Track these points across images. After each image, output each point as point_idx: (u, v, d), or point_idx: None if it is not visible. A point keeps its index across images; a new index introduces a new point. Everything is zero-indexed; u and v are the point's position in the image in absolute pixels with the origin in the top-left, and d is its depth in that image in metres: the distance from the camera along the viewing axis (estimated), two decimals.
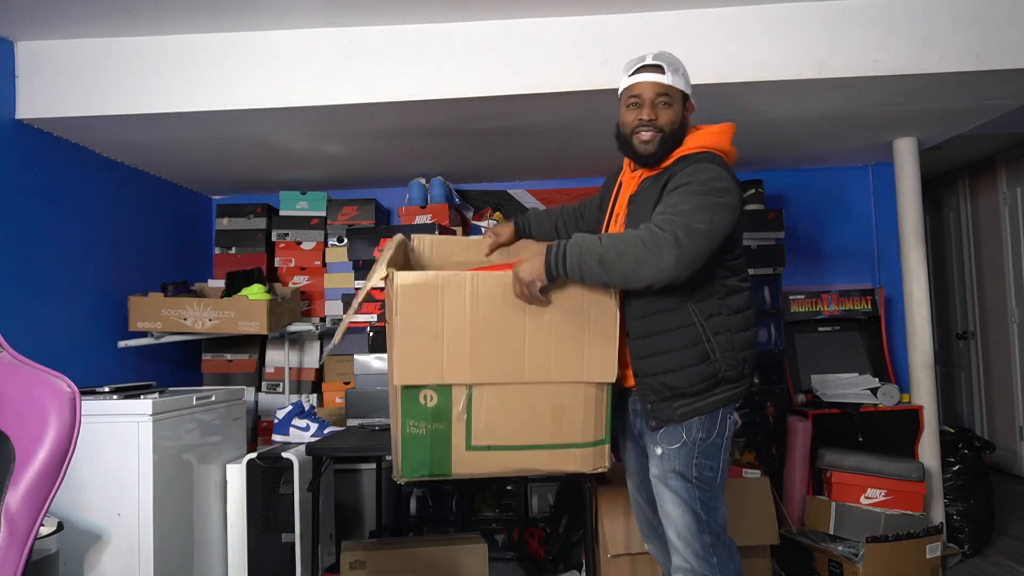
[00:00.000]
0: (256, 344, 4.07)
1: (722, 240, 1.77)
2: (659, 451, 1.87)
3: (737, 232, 1.87)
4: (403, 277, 1.78)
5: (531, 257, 1.78)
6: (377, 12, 2.73)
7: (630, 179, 1.99)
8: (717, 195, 1.76)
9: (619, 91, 1.96)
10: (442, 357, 1.81)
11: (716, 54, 2.76)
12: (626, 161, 2.03)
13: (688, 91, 1.92)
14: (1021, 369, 4.87)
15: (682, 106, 1.91)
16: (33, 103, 2.89)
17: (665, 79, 1.87)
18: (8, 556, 1.00)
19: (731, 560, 1.86)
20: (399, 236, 2.11)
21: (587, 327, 1.85)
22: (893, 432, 3.65)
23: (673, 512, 1.85)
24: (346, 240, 4.09)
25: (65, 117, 2.91)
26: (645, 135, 1.87)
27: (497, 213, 4.13)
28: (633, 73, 1.90)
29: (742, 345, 1.88)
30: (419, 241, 2.26)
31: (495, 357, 1.83)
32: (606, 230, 2.00)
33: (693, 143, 1.90)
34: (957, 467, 3.68)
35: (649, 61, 1.89)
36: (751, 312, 1.94)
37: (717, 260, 1.81)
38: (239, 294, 3.61)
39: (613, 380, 1.88)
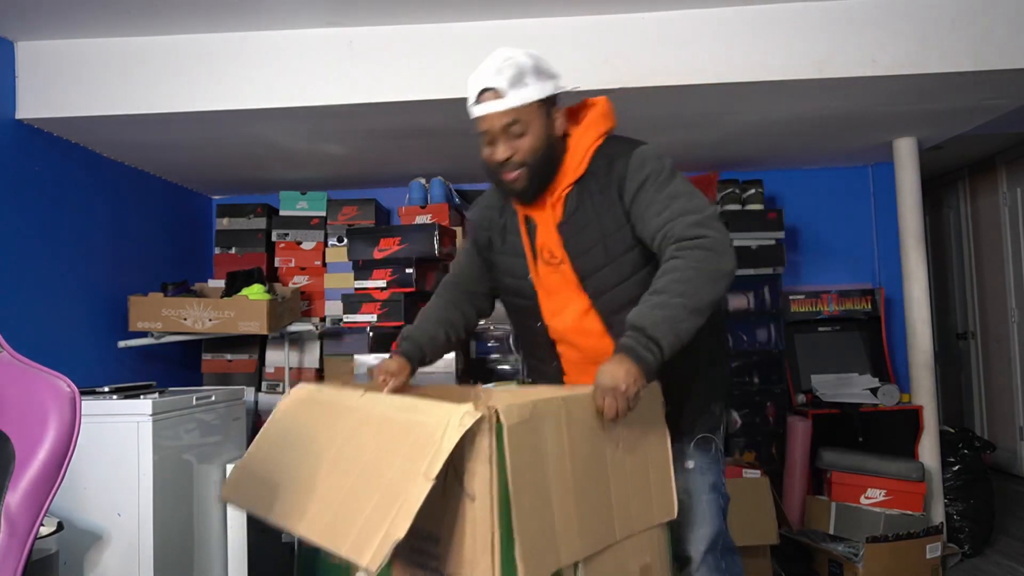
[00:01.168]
0: (256, 344, 4.07)
1: None
2: (691, 464, 1.70)
3: None
4: (507, 414, 1.22)
5: (609, 365, 1.40)
6: (377, 12, 2.73)
7: (540, 211, 1.67)
8: (673, 170, 1.58)
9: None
10: (554, 527, 1.29)
11: (716, 54, 2.76)
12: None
13: (546, 92, 1.58)
14: (1021, 369, 4.87)
15: (545, 117, 1.59)
16: (33, 103, 2.89)
17: (507, 103, 1.55)
18: (8, 556, 1.00)
19: (737, 565, 1.79)
20: (301, 387, 1.68)
21: (643, 450, 1.50)
22: (893, 432, 3.65)
23: (698, 534, 1.69)
24: (346, 240, 4.09)
25: (65, 117, 2.91)
26: (509, 175, 1.60)
27: None
28: (474, 102, 1.61)
29: (721, 331, 1.79)
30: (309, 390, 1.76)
31: (595, 513, 1.38)
32: (535, 273, 1.70)
33: (590, 135, 1.63)
34: (957, 467, 3.68)
35: (485, 84, 1.57)
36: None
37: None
38: (239, 294, 3.61)
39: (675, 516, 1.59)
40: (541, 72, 1.59)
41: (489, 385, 2.91)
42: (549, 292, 1.70)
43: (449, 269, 1.96)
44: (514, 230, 1.73)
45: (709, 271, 1.45)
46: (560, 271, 1.66)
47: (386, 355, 3.23)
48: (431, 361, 1.81)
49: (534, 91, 1.57)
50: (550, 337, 1.74)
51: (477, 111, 1.61)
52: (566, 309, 1.68)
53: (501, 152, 1.59)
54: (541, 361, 1.81)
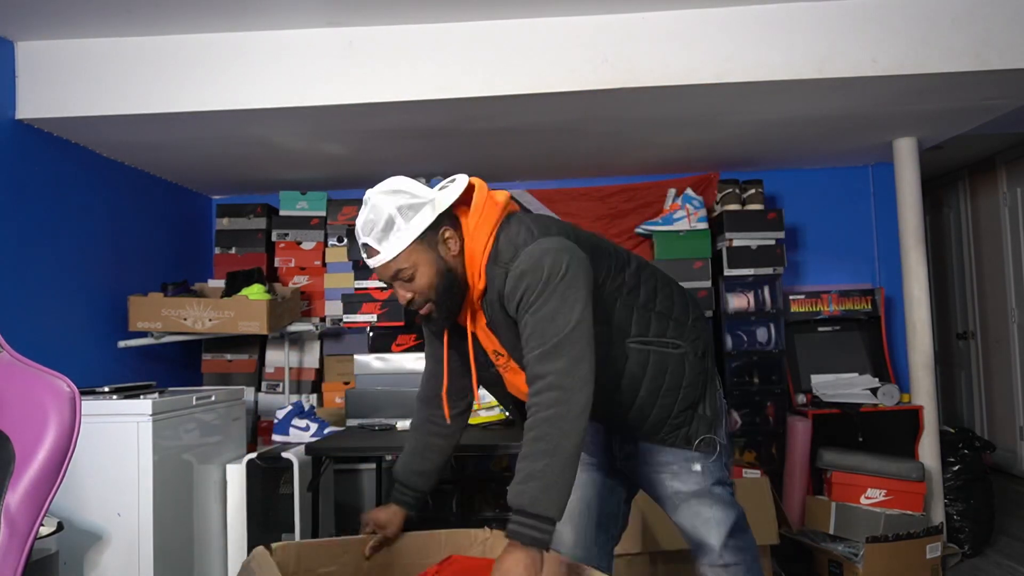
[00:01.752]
0: (256, 344, 4.07)
1: (592, 298, 1.52)
2: (698, 467, 1.72)
3: (600, 263, 1.61)
4: None
5: (500, 559, 1.38)
6: (377, 12, 2.73)
7: (470, 322, 1.67)
8: (552, 282, 1.48)
9: None
10: None
11: (716, 54, 2.76)
12: None
13: (421, 228, 1.52)
14: (1021, 369, 4.87)
15: (429, 250, 1.54)
16: (33, 103, 2.88)
17: (383, 258, 1.53)
18: (8, 556, 1.00)
19: (751, 540, 1.82)
20: (260, 552, 1.65)
21: None
22: (893, 432, 3.65)
23: (716, 525, 1.72)
24: (346, 240, 4.09)
25: (65, 117, 2.91)
26: (421, 312, 1.61)
27: None
28: (364, 255, 1.60)
29: (692, 328, 1.75)
30: (284, 552, 1.72)
31: None
32: (478, 367, 1.72)
33: (477, 245, 1.57)
34: (957, 467, 3.68)
35: (361, 240, 1.55)
36: (669, 292, 1.75)
37: (613, 299, 1.62)
38: (239, 294, 3.61)
39: None
40: (410, 209, 1.53)
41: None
42: (512, 384, 1.73)
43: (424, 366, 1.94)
44: (460, 334, 1.71)
45: (563, 420, 1.43)
46: (510, 367, 1.68)
47: (386, 355, 3.25)
48: (429, 492, 1.88)
49: (405, 235, 1.52)
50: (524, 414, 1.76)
51: (368, 263, 1.60)
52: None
53: (401, 297, 1.60)
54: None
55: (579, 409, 1.44)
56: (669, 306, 1.73)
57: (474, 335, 1.68)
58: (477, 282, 1.58)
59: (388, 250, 1.53)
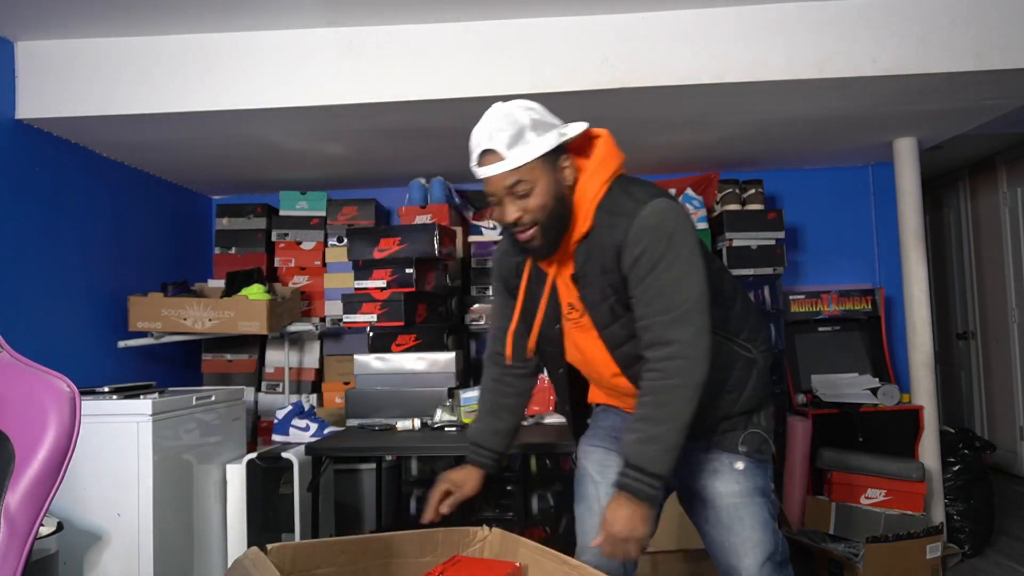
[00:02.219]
0: (256, 344, 4.07)
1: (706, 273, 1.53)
2: (740, 465, 1.65)
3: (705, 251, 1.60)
4: None
5: (611, 508, 1.49)
6: (377, 12, 2.73)
7: (555, 265, 1.64)
8: (678, 244, 1.50)
9: None
10: None
11: (716, 54, 2.76)
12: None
13: (548, 146, 1.51)
14: (1021, 369, 4.87)
15: (550, 172, 1.52)
16: (33, 103, 2.88)
17: (507, 164, 1.49)
18: (8, 556, 1.00)
19: None
20: (254, 551, 1.62)
21: None
22: (893, 432, 3.65)
23: (753, 535, 1.63)
24: (346, 240, 4.09)
25: (65, 117, 2.91)
26: (521, 235, 1.55)
27: None
28: (476, 163, 1.55)
29: (764, 340, 1.73)
30: (279, 552, 1.68)
31: None
32: (544, 321, 1.69)
33: (593, 184, 1.56)
34: (957, 467, 3.68)
35: (484, 146, 1.51)
36: (745, 299, 1.75)
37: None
38: (239, 294, 3.61)
39: None
40: (541, 125, 1.52)
41: None
42: (574, 342, 1.70)
43: (490, 328, 1.92)
44: (536, 278, 1.70)
45: (687, 389, 1.48)
46: (581, 325, 1.66)
47: (386, 355, 3.24)
48: (505, 455, 1.87)
49: (535, 148, 1.50)
50: (571, 380, 1.79)
51: (480, 173, 1.55)
52: (592, 356, 1.69)
53: (509, 214, 1.54)
54: (559, 402, 1.87)
55: (701, 380, 1.48)
56: (746, 311, 1.71)
57: (553, 283, 1.65)
58: (581, 225, 1.56)
59: (514, 158, 1.49)
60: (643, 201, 1.53)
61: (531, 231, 1.54)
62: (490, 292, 3.96)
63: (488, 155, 1.52)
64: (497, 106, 1.56)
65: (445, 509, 1.80)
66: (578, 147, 1.61)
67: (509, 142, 1.49)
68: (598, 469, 1.80)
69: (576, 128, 1.58)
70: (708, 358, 1.49)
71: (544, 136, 1.52)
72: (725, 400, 1.65)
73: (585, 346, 1.68)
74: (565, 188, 1.55)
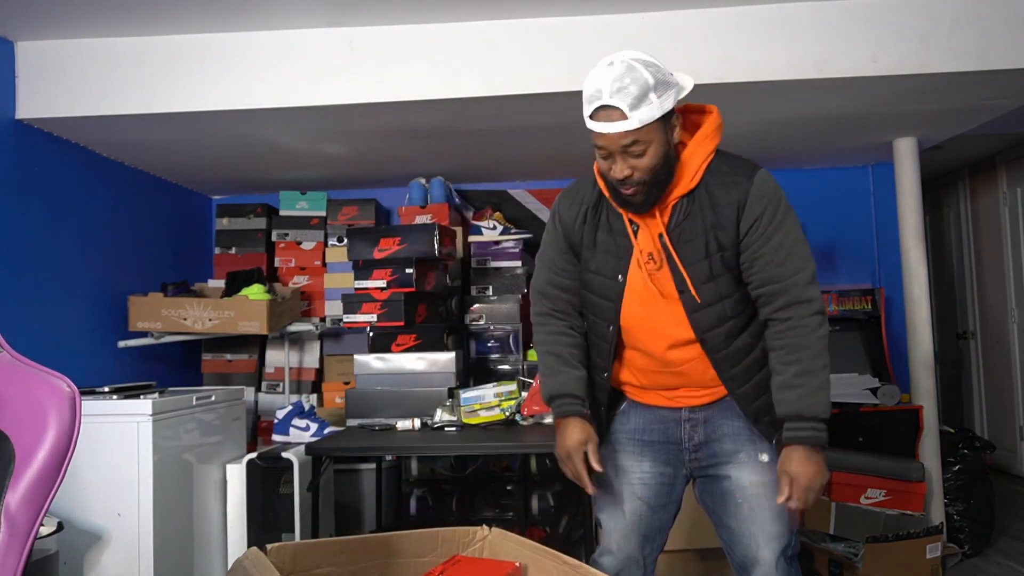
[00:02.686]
0: (256, 344, 4.07)
1: None
2: (766, 458, 1.68)
3: None
4: None
5: (797, 462, 1.55)
6: (377, 12, 2.73)
7: (647, 216, 1.64)
8: (791, 209, 1.64)
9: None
10: None
11: (716, 54, 2.76)
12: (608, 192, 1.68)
13: (669, 107, 1.52)
14: (1021, 369, 4.87)
15: (664, 132, 1.53)
16: (33, 103, 2.88)
17: (629, 124, 1.48)
18: (8, 556, 1.00)
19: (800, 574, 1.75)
20: (254, 552, 1.64)
21: None
22: (893, 432, 3.65)
23: (771, 536, 1.66)
24: (346, 240, 4.09)
25: (65, 117, 2.91)
26: (626, 190, 1.57)
27: (497, 213, 4.13)
28: (592, 115, 1.52)
29: None
30: (279, 552, 1.69)
31: None
32: (628, 275, 1.67)
33: (704, 149, 1.61)
34: (957, 467, 3.68)
35: (606, 101, 1.48)
36: None
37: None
38: (239, 294, 3.61)
39: None
40: (662, 85, 1.50)
41: (490, 385, 2.91)
42: (637, 297, 1.67)
43: (535, 283, 1.86)
44: (608, 228, 1.69)
45: (826, 339, 1.59)
46: (655, 277, 1.64)
47: (386, 355, 3.24)
48: (588, 404, 1.76)
49: (656, 109, 1.49)
50: (618, 342, 1.73)
51: (595, 127, 1.53)
52: (655, 317, 1.67)
53: (619, 171, 1.54)
54: (595, 370, 1.79)
55: (827, 336, 1.60)
56: None
57: (636, 226, 1.65)
58: (687, 182, 1.60)
59: (635, 119, 1.48)
60: (755, 167, 1.62)
61: (635, 188, 1.56)
62: (490, 292, 3.96)
63: (608, 111, 1.49)
64: (620, 58, 1.51)
65: (597, 467, 1.68)
66: (686, 115, 1.66)
67: (633, 103, 1.48)
68: (622, 476, 1.80)
69: (689, 83, 1.61)
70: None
71: (664, 97, 1.51)
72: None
73: (652, 303, 1.65)
74: (673, 147, 1.58)
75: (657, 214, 1.62)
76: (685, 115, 1.65)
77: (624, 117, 1.48)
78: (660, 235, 1.62)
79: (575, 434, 1.69)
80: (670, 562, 2.96)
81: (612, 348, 1.74)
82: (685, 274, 1.61)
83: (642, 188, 1.56)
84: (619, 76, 1.48)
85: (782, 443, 1.62)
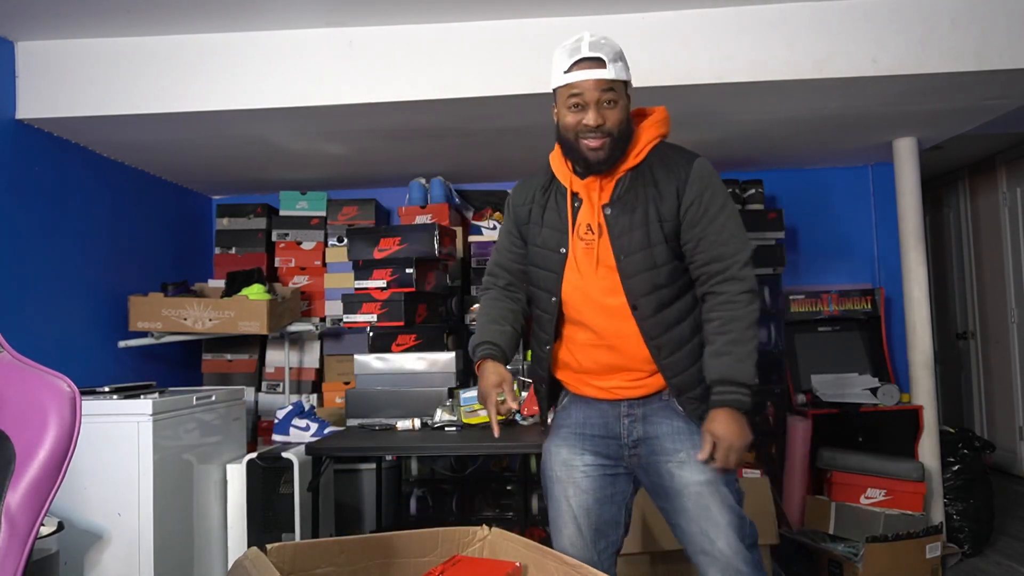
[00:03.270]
0: (256, 344, 4.07)
1: None
2: None
3: None
4: None
5: (721, 422, 1.64)
6: (377, 12, 2.73)
7: (589, 185, 1.75)
8: (728, 196, 1.75)
9: (553, 86, 1.72)
10: None
11: (716, 54, 2.76)
12: (561, 167, 1.81)
13: (630, 77, 1.72)
14: (1021, 369, 4.87)
15: (626, 98, 1.71)
16: (33, 103, 2.89)
17: (608, 73, 1.65)
18: (8, 556, 1.00)
19: (760, 556, 1.79)
20: (254, 552, 1.65)
21: None
22: (893, 432, 3.65)
23: (725, 528, 1.70)
24: (346, 240, 4.09)
25: (65, 117, 2.91)
26: (593, 142, 1.67)
27: (497, 213, 4.13)
28: (570, 69, 1.67)
29: None
30: (279, 552, 1.68)
31: None
32: (569, 247, 1.76)
33: (651, 131, 1.76)
34: (957, 467, 3.68)
35: (586, 52, 1.65)
36: None
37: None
38: (239, 294, 3.61)
39: None
40: (626, 59, 1.72)
41: None
42: (578, 267, 1.76)
43: (487, 267, 2.01)
44: (555, 205, 1.81)
45: (755, 316, 1.72)
46: (593, 247, 1.74)
47: (386, 355, 3.24)
48: (511, 357, 1.87)
49: (625, 71, 1.70)
50: (560, 314, 1.81)
51: (575, 77, 1.67)
52: (590, 285, 1.75)
53: (593, 118, 1.66)
54: (539, 344, 1.88)
55: (759, 312, 1.74)
56: None
57: (577, 204, 1.77)
58: (632, 159, 1.74)
59: (613, 71, 1.66)
60: (696, 155, 1.76)
61: (602, 140, 1.68)
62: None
63: (588, 62, 1.66)
64: (591, 31, 1.72)
65: (512, 405, 1.79)
66: (633, 114, 1.80)
67: (613, 57, 1.66)
68: (564, 471, 1.84)
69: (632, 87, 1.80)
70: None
71: (628, 68, 1.72)
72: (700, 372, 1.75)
73: (591, 273, 1.74)
74: (630, 120, 1.74)
75: (599, 187, 1.74)
76: (637, 114, 1.80)
77: (604, 67, 1.65)
78: (604, 206, 1.73)
79: (490, 377, 1.79)
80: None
81: (554, 320, 1.81)
82: (618, 244, 1.71)
83: (608, 141, 1.68)
84: (597, 36, 1.69)
85: (708, 408, 1.70)
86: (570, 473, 1.83)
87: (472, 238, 4.07)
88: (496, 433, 1.81)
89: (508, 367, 1.85)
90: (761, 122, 3.37)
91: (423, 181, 4.12)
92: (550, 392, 1.94)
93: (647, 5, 2.74)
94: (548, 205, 1.82)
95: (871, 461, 3.41)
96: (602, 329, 1.76)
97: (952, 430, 3.80)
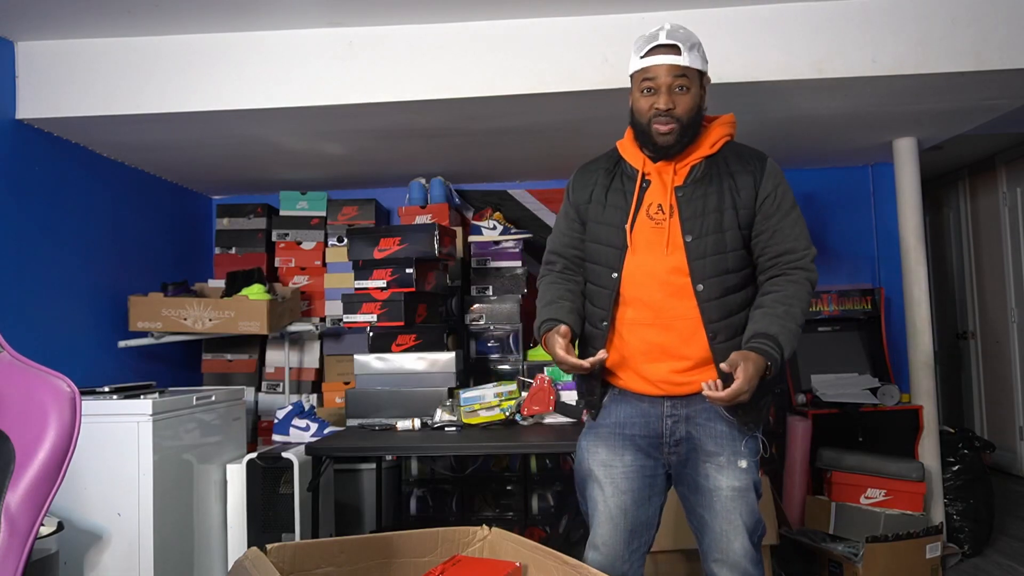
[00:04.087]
0: (256, 344, 4.07)
1: None
2: (744, 464, 1.76)
3: None
4: None
5: (751, 365, 1.61)
6: (377, 12, 2.73)
7: (662, 168, 1.79)
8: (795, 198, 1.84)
9: (630, 72, 1.79)
10: None
11: (716, 54, 2.74)
12: (632, 151, 1.84)
13: (705, 68, 1.78)
14: (1021, 369, 4.87)
15: (700, 88, 1.76)
16: (33, 103, 2.89)
17: (682, 60, 1.71)
18: (8, 556, 1.00)
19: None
20: (254, 552, 1.66)
21: None
22: (893, 432, 3.65)
23: (743, 531, 1.74)
24: (346, 240, 4.09)
25: (65, 117, 2.91)
26: (663, 127, 1.73)
27: (497, 213, 4.14)
28: (645, 54, 1.73)
29: None
30: (279, 552, 1.70)
31: None
32: (631, 227, 1.78)
33: (723, 128, 1.83)
34: (957, 467, 3.68)
35: (663, 40, 1.72)
36: None
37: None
38: (239, 294, 3.61)
39: None
40: (702, 48, 1.78)
41: (490, 385, 2.91)
42: (643, 244, 1.78)
43: (544, 256, 2.00)
44: (621, 185, 1.85)
45: (808, 302, 1.77)
46: (663, 227, 1.76)
47: (386, 355, 3.24)
48: (577, 331, 1.84)
49: (701, 60, 1.76)
50: (617, 293, 1.81)
51: (650, 61, 1.73)
52: (656, 263, 1.77)
53: (664, 102, 1.72)
54: (594, 321, 1.85)
55: (809, 302, 1.78)
56: None
57: (646, 185, 1.80)
58: (709, 147, 1.80)
59: (688, 58, 1.73)
60: (765, 154, 1.83)
61: (672, 125, 1.73)
62: (490, 292, 3.96)
63: (664, 48, 1.72)
64: (670, 22, 1.80)
65: (589, 362, 1.74)
66: (707, 118, 1.87)
67: (689, 46, 1.73)
68: (604, 471, 1.83)
69: (710, 78, 1.86)
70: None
71: (704, 57, 1.78)
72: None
73: (656, 250, 1.77)
74: (702, 110, 1.79)
75: (672, 171, 1.79)
76: (715, 117, 1.87)
77: (679, 53, 1.71)
78: (676, 187, 1.77)
79: (554, 345, 1.76)
80: (657, 562, 2.96)
81: (613, 295, 1.81)
82: (689, 225, 1.74)
83: (678, 127, 1.73)
84: (675, 25, 1.76)
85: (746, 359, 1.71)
86: (609, 473, 1.83)
87: (472, 238, 4.07)
88: (591, 362, 1.73)
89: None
90: (761, 122, 3.37)
91: (423, 181, 4.12)
92: (599, 384, 1.88)
93: (647, 5, 2.74)
94: (612, 186, 1.86)
95: (871, 461, 3.41)
96: (661, 306, 1.77)
97: (952, 430, 3.80)
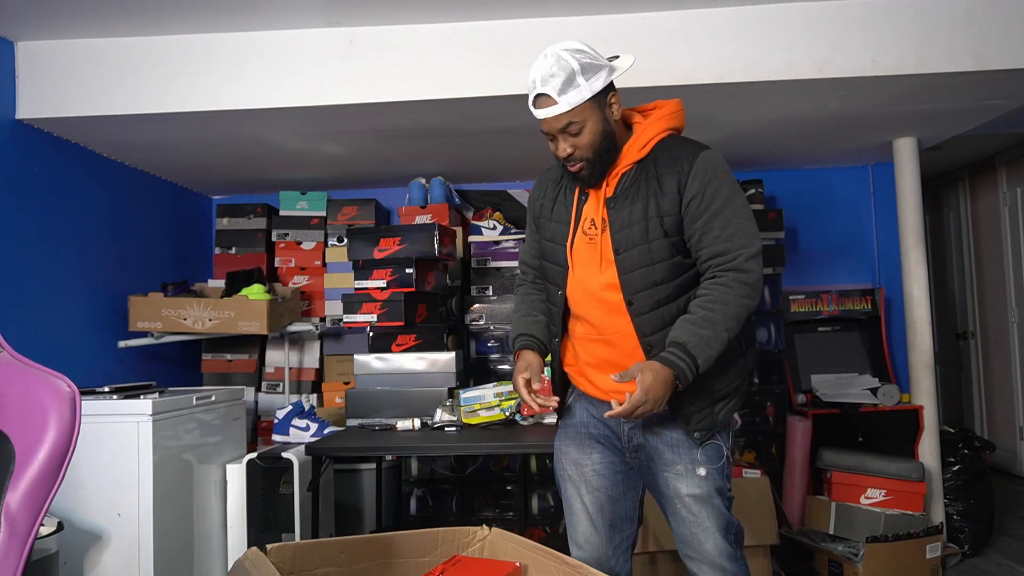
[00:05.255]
0: (256, 344, 4.07)
1: None
2: (703, 472, 1.74)
3: None
4: None
5: (654, 375, 1.56)
6: (377, 12, 2.73)
7: (596, 186, 1.77)
8: (739, 189, 1.73)
9: None
10: None
11: (716, 54, 2.76)
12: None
13: (598, 87, 1.65)
14: (1021, 369, 4.87)
15: (599, 110, 1.66)
16: (33, 103, 2.89)
17: (559, 108, 1.63)
18: (8, 556, 1.00)
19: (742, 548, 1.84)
20: (254, 552, 1.66)
21: None
22: (893, 432, 3.65)
23: (713, 531, 1.74)
24: (346, 240, 4.09)
25: (65, 117, 2.91)
26: (573, 168, 1.71)
27: (497, 213, 4.13)
28: (533, 104, 1.68)
29: (750, 336, 1.82)
30: (279, 552, 1.70)
31: None
32: (571, 242, 1.77)
33: (658, 125, 1.73)
34: (957, 467, 3.68)
35: (539, 90, 1.64)
36: None
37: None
38: (239, 294, 3.61)
39: None
40: (590, 68, 1.65)
41: (490, 385, 2.91)
42: (580, 261, 1.77)
43: (519, 259, 2.05)
44: (563, 199, 1.83)
45: (743, 309, 1.65)
46: (595, 243, 1.75)
47: (386, 355, 3.24)
48: (548, 343, 1.88)
49: (584, 91, 1.64)
50: (565, 308, 1.82)
51: (536, 114, 1.69)
52: (591, 279, 1.75)
53: (561, 150, 1.70)
54: (552, 336, 1.89)
55: (752, 309, 1.68)
56: None
57: (583, 198, 1.78)
58: (639, 151, 1.72)
59: (565, 103, 1.63)
60: (704, 147, 1.71)
61: (579, 165, 1.70)
62: (490, 292, 3.97)
63: (542, 99, 1.66)
64: (549, 50, 1.66)
65: (536, 386, 1.80)
66: (643, 109, 1.80)
67: (560, 88, 1.63)
68: (575, 470, 1.88)
69: (625, 62, 1.73)
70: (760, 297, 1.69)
71: (593, 79, 1.65)
72: (711, 383, 1.72)
73: (592, 267, 1.75)
74: (613, 123, 1.71)
75: (604, 182, 1.74)
76: (644, 110, 1.79)
77: (554, 102, 1.63)
78: (607, 200, 1.73)
79: (520, 366, 1.83)
80: (656, 562, 2.97)
81: (560, 313, 1.83)
82: (616, 238, 1.71)
83: (586, 164, 1.70)
84: (548, 67, 1.64)
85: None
86: (581, 471, 1.86)
87: (472, 238, 4.07)
88: (535, 408, 1.78)
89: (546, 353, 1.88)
90: (761, 122, 3.37)
91: (423, 181, 4.12)
92: (561, 385, 1.94)
93: (647, 5, 2.74)
94: (558, 199, 1.84)
95: (871, 461, 3.41)
96: (599, 323, 1.77)
97: (952, 430, 3.80)
